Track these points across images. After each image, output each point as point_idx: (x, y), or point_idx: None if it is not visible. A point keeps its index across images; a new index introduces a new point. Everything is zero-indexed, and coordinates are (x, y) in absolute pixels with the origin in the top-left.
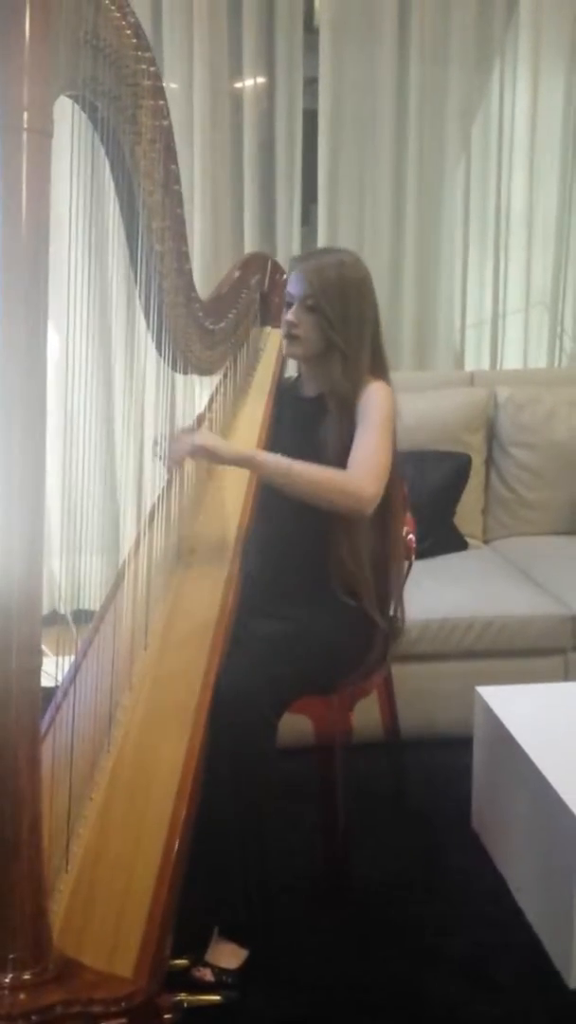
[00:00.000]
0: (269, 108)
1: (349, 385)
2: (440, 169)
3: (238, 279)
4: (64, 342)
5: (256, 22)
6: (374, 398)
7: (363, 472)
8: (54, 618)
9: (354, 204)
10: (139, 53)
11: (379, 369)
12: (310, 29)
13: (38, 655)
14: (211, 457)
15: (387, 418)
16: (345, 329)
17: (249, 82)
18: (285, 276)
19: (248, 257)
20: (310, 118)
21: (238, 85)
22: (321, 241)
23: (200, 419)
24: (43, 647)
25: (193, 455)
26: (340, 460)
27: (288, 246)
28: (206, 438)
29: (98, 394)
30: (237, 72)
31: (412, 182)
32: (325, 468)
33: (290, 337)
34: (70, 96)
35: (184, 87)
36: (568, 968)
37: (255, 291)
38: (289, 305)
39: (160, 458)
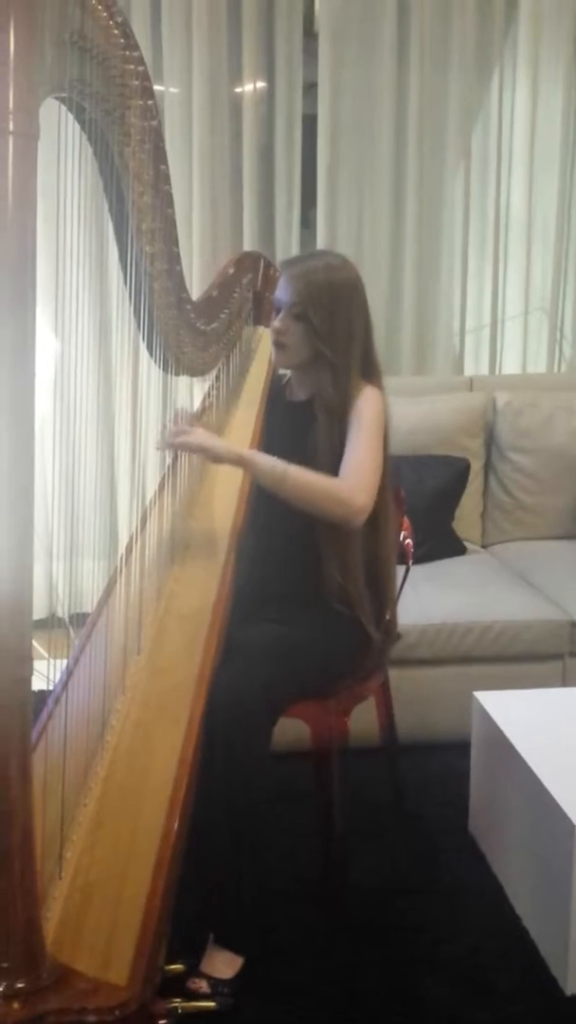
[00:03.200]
0: (268, 113)
1: (338, 396)
2: (440, 174)
3: (230, 279)
4: (62, 346)
5: (256, 27)
6: (365, 404)
7: (354, 482)
8: (53, 622)
9: (353, 209)
10: (127, 53)
11: (371, 373)
12: (310, 34)
13: (29, 664)
14: (207, 453)
15: (377, 424)
16: (333, 339)
17: (248, 87)
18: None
19: (240, 256)
20: (309, 123)
21: (237, 90)
22: (320, 245)
23: (194, 421)
24: (41, 650)
25: (190, 450)
26: (331, 467)
27: (288, 250)
28: (203, 437)
29: (97, 399)
30: (236, 77)
31: (411, 187)
32: (320, 475)
33: (278, 345)
34: (57, 98)
35: (183, 91)
36: (565, 974)
37: (247, 290)
38: (278, 311)
39: (158, 448)
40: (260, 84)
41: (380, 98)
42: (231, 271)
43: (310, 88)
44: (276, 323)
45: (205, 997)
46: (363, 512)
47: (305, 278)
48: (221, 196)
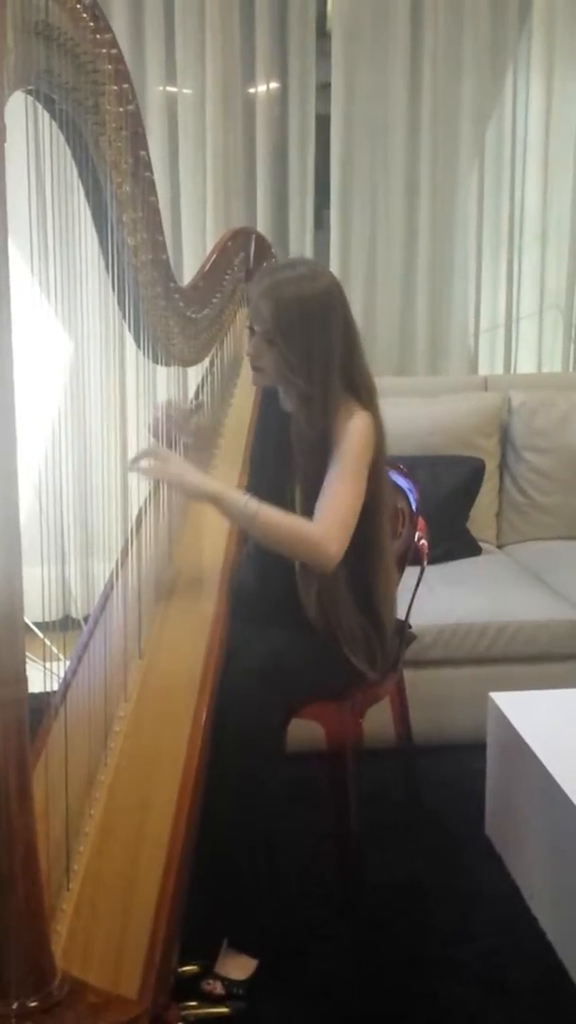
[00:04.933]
0: (282, 113)
1: (314, 432)
2: (453, 174)
3: (221, 260)
4: (74, 348)
5: (268, 27)
6: (350, 433)
7: (325, 528)
8: (68, 623)
9: (367, 209)
10: (97, 36)
11: (359, 390)
12: (323, 34)
13: (23, 684)
14: (181, 489)
15: (361, 458)
16: (308, 367)
17: (262, 87)
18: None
19: (230, 234)
20: (323, 123)
21: (251, 90)
22: (334, 246)
23: (189, 413)
24: (55, 651)
25: (164, 480)
26: (310, 504)
27: (301, 250)
28: (178, 469)
29: (110, 399)
30: (250, 77)
31: (425, 187)
32: (292, 517)
33: (255, 368)
34: (24, 92)
35: (197, 92)
36: None
37: (239, 271)
38: (252, 330)
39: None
40: (273, 85)
41: (394, 98)
42: (229, 243)
43: (323, 88)
44: (249, 348)
45: (219, 999)
46: (334, 559)
47: (272, 299)
48: (234, 197)
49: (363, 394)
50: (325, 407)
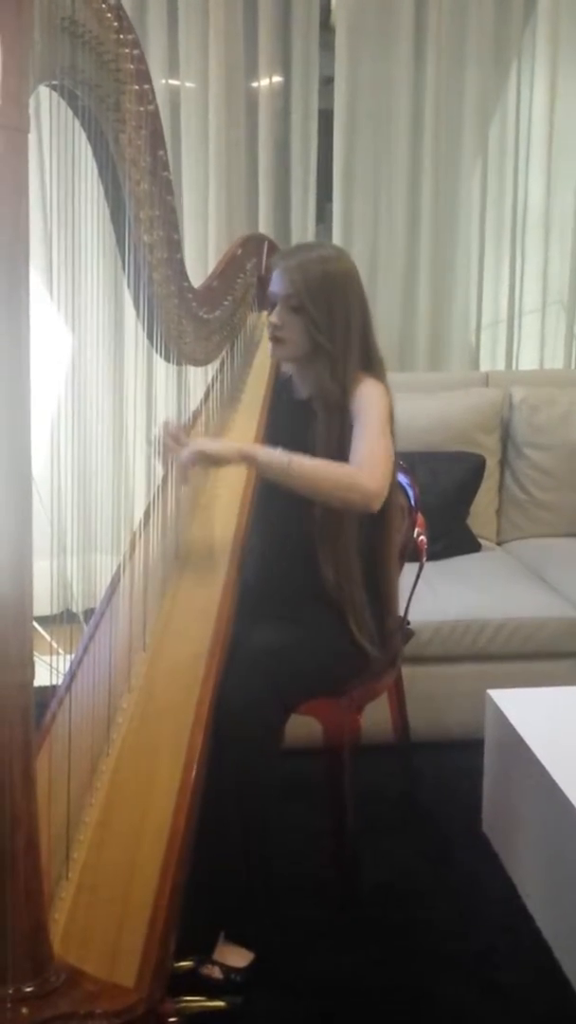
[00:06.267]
0: (285, 107)
1: (338, 388)
2: (456, 169)
3: (233, 264)
4: (76, 342)
5: (272, 21)
6: (367, 397)
7: (367, 470)
8: (67, 617)
9: (369, 203)
10: (121, 36)
11: (371, 365)
12: (326, 28)
13: (31, 669)
14: (210, 461)
15: (382, 416)
16: (331, 329)
17: (265, 81)
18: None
19: (243, 240)
20: (326, 117)
21: (254, 84)
22: (336, 239)
23: (196, 414)
24: (55, 645)
25: (194, 463)
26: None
27: None
28: (199, 445)
29: (110, 393)
30: (253, 71)
31: (428, 181)
32: (329, 462)
33: (275, 339)
34: (48, 86)
35: (200, 86)
36: None
37: (252, 275)
38: (273, 305)
39: (157, 455)
40: (276, 78)
41: (397, 92)
42: (239, 252)
43: (326, 82)
44: (272, 317)
45: (218, 986)
46: (379, 497)
47: (301, 270)
48: (237, 191)
49: (376, 368)
50: (346, 367)
